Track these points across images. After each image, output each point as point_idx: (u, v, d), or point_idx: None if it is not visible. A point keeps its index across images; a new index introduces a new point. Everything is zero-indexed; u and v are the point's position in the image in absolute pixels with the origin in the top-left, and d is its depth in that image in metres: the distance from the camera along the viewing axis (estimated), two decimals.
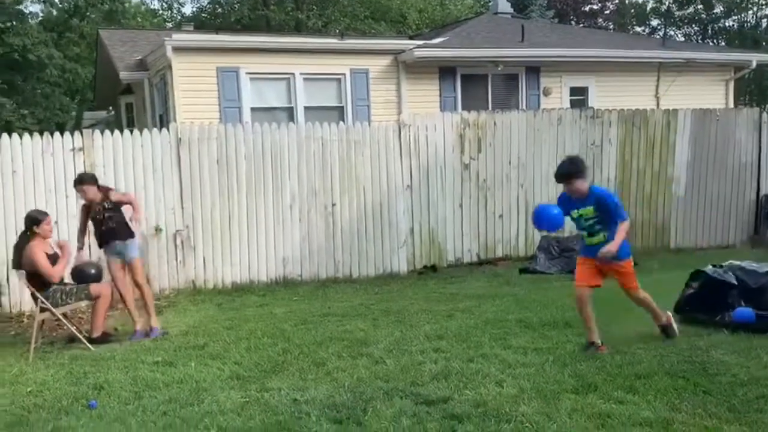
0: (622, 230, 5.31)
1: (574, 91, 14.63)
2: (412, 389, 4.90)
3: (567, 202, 5.49)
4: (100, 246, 6.87)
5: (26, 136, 8.19)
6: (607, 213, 5.35)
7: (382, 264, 9.32)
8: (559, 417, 4.30)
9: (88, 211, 6.83)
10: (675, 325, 5.75)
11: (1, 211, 7.92)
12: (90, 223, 6.89)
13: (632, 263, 5.56)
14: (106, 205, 6.76)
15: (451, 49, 13.85)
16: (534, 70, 14.38)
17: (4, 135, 8.14)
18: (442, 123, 9.56)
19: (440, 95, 13.74)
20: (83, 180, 6.84)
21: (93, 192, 6.75)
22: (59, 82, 28.99)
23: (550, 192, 10.08)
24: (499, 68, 13.71)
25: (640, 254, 10.02)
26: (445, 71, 13.79)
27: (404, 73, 13.44)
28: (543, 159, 10.04)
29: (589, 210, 5.37)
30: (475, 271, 9.34)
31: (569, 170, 5.40)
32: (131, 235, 6.82)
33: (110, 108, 23.54)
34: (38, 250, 6.28)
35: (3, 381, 5.55)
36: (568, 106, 13.74)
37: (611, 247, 5.28)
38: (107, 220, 6.75)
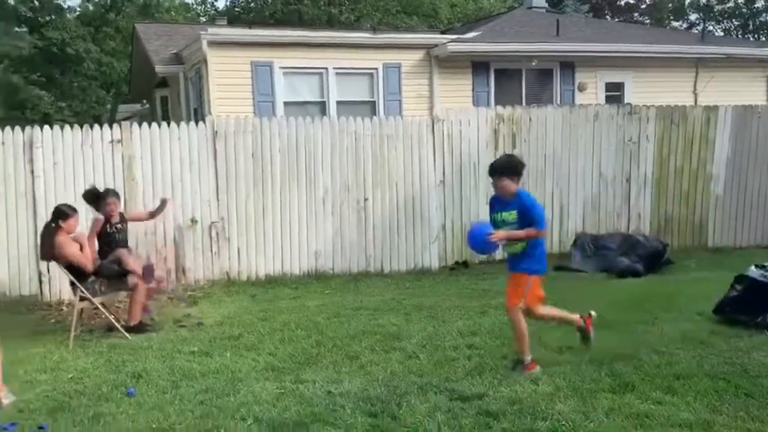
0: (528, 231, 4.97)
1: (609, 86, 14.40)
2: (446, 385, 4.90)
3: (495, 204, 5.22)
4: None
5: (66, 128, 8.35)
6: (526, 221, 5.03)
7: (413, 259, 9.30)
8: (596, 416, 4.25)
9: (104, 224, 6.96)
10: (592, 329, 5.45)
11: (42, 202, 8.09)
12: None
13: (527, 280, 5.13)
14: (121, 224, 7.08)
15: (484, 44, 13.72)
16: (569, 65, 14.19)
17: (46, 127, 8.32)
18: (476, 118, 9.50)
19: (473, 90, 13.64)
20: (116, 194, 7.10)
21: (118, 206, 7.07)
22: (96, 76, 29.51)
23: (586, 189, 9.99)
24: (534, 63, 13.56)
25: (677, 252, 9.88)
26: (479, 66, 13.69)
27: (437, 67, 13.37)
28: (579, 155, 9.91)
29: (512, 214, 5.06)
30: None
31: (500, 166, 5.14)
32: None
33: (144, 101, 23.90)
34: (68, 244, 6.39)
35: (45, 367, 5.68)
36: (603, 101, 13.53)
37: (506, 234, 4.95)
38: (119, 235, 7.04)
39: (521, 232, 4.98)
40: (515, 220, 5.04)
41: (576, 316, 5.42)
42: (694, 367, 5.03)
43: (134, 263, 6.87)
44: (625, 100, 13.41)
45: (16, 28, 28.09)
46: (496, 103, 12.55)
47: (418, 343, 5.91)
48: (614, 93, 14.26)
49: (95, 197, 6.93)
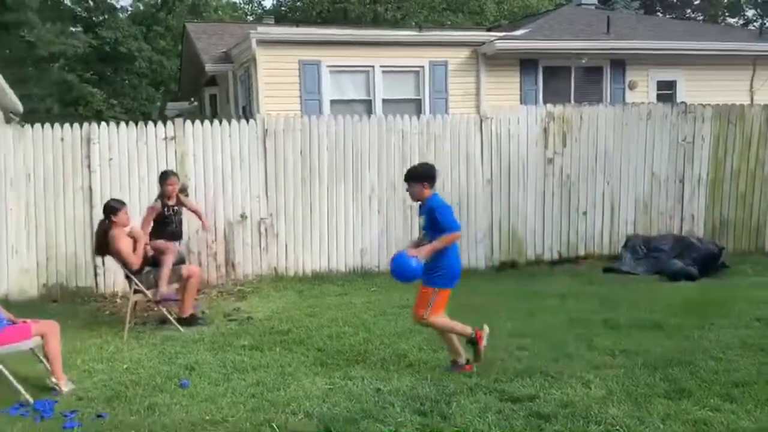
0: (443, 238, 4.96)
1: (661, 84, 14.05)
2: (496, 386, 4.86)
3: (419, 210, 5.32)
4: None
5: (122, 124, 8.57)
6: (435, 225, 5.04)
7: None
8: (651, 421, 4.17)
9: (161, 209, 7.11)
10: (484, 343, 5.29)
11: (98, 196, 8.31)
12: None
13: (433, 291, 5.13)
14: (177, 206, 7.23)
15: (533, 41, 13.55)
16: (619, 63, 13.90)
17: (102, 124, 8.55)
18: (525, 116, 9.39)
19: (521, 88, 13.47)
20: (176, 174, 7.29)
21: (176, 187, 7.21)
22: (146, 74, 30.23)
23: (638, 188, 9.78)
24: (584, 61, 13.33)
25: (732, 256, 9.58)
26: (527, 64, 13.52)
27: (484, 65, 13.26)
28: (630, 155, 9.70)
29: (422, 220, 5.17)
30: (556, 269, 9.15)
31: (411, 172, 5.30)
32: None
33: (192, 99, 24.35)
34: (121, 239, 6.53)
35: (101, 357, 5.85)
36: (655, 100, 13.19)
37: (419, 251, 4.96)
38: (175, 218, 7.19)
39: (438, 243, 5.00)
40: (425, 224, 5.16)
41: (468, 329, 5.36)
42: (754, 374, 4.88)
43: (194, 269, 7.03)
44: (677, 99, 13.07)
45: (72, 28, 29.00)
46: (544, 101, 12.37)
47: (466, 343, 5.86)
48: (666, 91, 13.91)
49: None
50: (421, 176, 5.25)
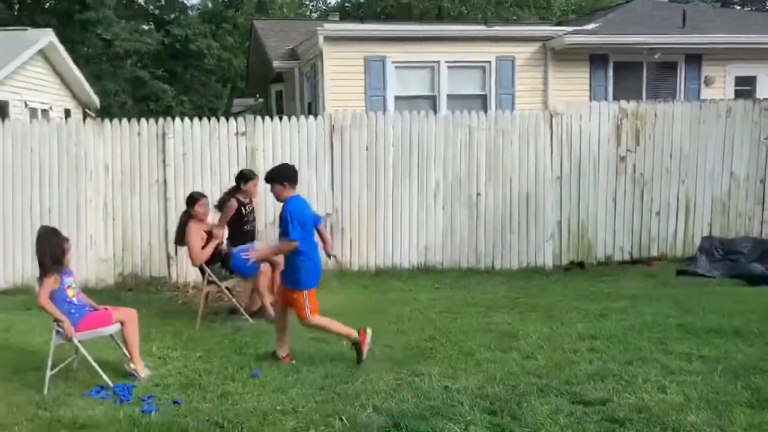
0: (277, 246, 5.18)
1: (739, 80, 13.48)
2: (567, 387, 4.76)
3: None
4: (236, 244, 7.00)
5: (196, 120, 8.81)
6: (283, 227, 5.23)
7: (526, 257, 9.10)
8: (733, 431, 3.99)
9: (240, 206, 7.00)
10: (366, 347, 5.38)
11: (172, 190, 8.59)
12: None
13: (303, 294, 5.37)
14: (252, 208, 7.22)
15: (604, 36, 13.20)
16: (695, 58, 13.41)
17: (177, 119, 8.81)
18: (597, 112, 9.14)
19: (590, 84, 13.19)
20: (256, 176, 7.13)
21: (258, 189, 7.18)
22: (214, 71, 31.04)
23: (714, 189, 9.39)
24: (657, 56, 12.91)
25: None
26: (597, 59, 13.21)
27: (552, 60, 13.04)
28: (708, 153, 9.31)
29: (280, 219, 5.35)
30: (627, 270, 8.88)
31: (270, 174, 5.47)
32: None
33: (257, 96, 24.83)
34: (194, 232, 6.66)
35: (175, 345, 6.03)
36: (732, 96, 12.67)
37: (252, 254, 5.33)
38: (252, 216, 7.18)
39: (272, 250, 5.21)
40: (280, 225, 5.34)
41: (353, 331, 5.46)
42: None
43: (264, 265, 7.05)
44: (757, 95, 12.49)
45: (144, 26, 30.05)
46: (615, 97, 12.07)
47: (535, 344, 5.78)
48: (744, 87, 13.33)
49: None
50: (278, 177, 5.43)
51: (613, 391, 4.69)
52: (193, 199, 6.72)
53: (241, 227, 7.03)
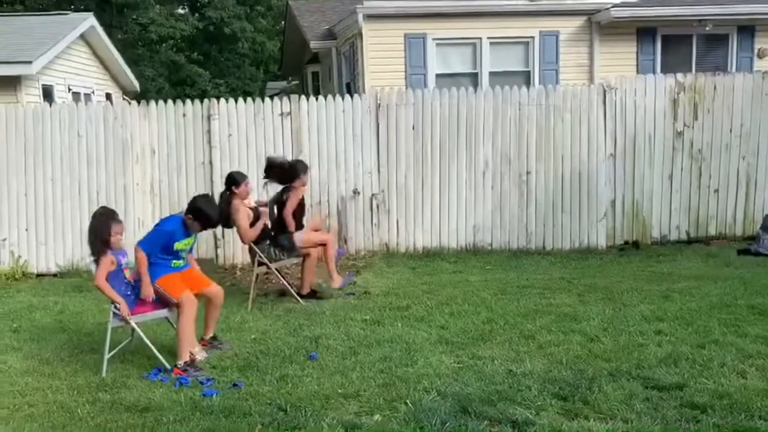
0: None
1: None
2: (639, 372, 4.57)
3: None
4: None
5: (240, 101, 8.70)
6: None
7: (578, 237, 8.82)
8: None
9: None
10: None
11: (218, 171, 8.51)
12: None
13: None
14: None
15: (652, 8, 12.71)
16: (748, 29, 12.85)
17: (222, 100, 8.71)
18: (653, 86, 8.75)
19: (637, 58, 12.75)
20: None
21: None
22: (248, 54, 31.00)
23: None
24: (708, 28, 12.41)
25: None
26: (644, 32, 12.75)
27: (597, 34, 12.63)
28: None
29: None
30: (685, 250, 8.56)
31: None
32: None
33: (290, 78, 24.71)
34: (242, 211, 6.58)
35: (229, 327, 5.98)
36: None
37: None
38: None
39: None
40: None
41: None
42: None
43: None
44: None
45: (180, 10, 30.12)
46: (663, 71, 11.65)
47: (598, 326, 5.58)
48: None
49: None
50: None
51: (689, 375, 4.48)
52: (235, 180, 6.62)
53: (300, 217, 7.08)
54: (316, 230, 7.22)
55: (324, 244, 6.99)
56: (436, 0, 12.42)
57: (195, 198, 5.44)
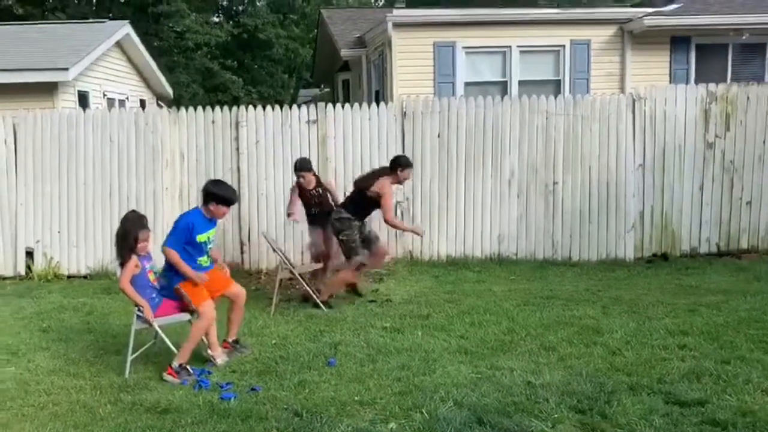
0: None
1: None
2: (660, 386, 4.49)
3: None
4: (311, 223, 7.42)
5: (268, 108, 8.80)
6: None
7: (605, 248, 8.70)
8: None
9: (300, 191, 7.31)
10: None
11: (245, 177, 8.64)
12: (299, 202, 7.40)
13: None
14: (320, 191, 7.35)
15: (686, 17, 12.54)
16: None
17: (250, 107, 8.83)
18: (684, 96, 8.62)
19: (670, 67, 12.57)
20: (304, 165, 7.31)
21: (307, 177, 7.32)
22: (281, 60, 31.31)
23: None
24: (744, 37, 12.18)
25: None
26: (678, 41, 12.56)
27: (630, 43, 12.48)
28: None
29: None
30: (715, 263, 8.38)
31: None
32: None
33: (322, 85, 24.90)
34: (391, 192, 6.74)
35: (251, 332, 6.05)
36: None
37: None
38: (318, 199, 7.32)
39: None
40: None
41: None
42: None
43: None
44: None
45: (215, 18, 30.62)
46: (697, 81, 11.44)
47: (621, 339, 5.50)
48: None
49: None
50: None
51: (711, 391, 4.38)
52: (401, 164, 6.84)
53: (307, 206, 7.34)
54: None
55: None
56: (466, 8, 12.42)
57: (204, 185, 5.50)
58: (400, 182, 6.94)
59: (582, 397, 4.35)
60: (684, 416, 4.07)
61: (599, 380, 4.63)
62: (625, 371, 4.80)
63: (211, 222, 5.37)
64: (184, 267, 5.14)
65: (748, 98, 8.61)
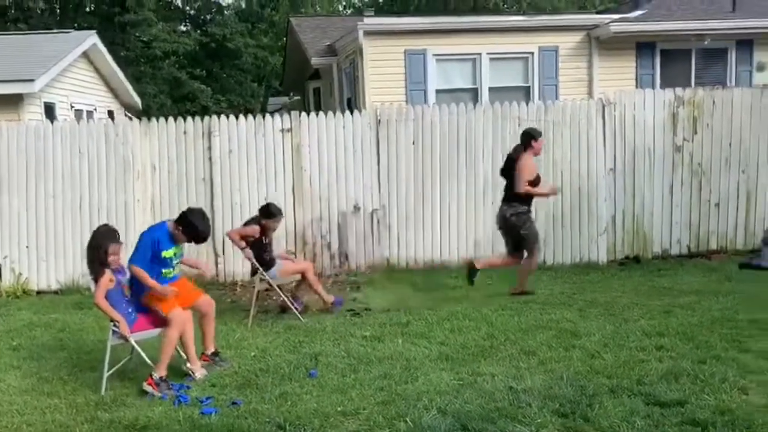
0: None
1: None
2: (639, 388, 4.54)
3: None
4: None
5: (241, 117, 8.74)
6: None
7: (579, 252, 8.81)
8: None
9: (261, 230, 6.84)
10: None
11: (218, 187, 8.56)
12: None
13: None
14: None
15: (651, 23, 12.87)
16: (746, 43, 12.95)
17: (222, 117, 8.76)
18: (653, 101, 8.78)
19: (636, 72, 12.86)
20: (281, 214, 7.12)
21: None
22: (250, 69, 31.15)
23: None
24: (706, 42, 12.51)
25: None
26: (643, 47, 12.86)
27: (597, 49, 12.73)
28: None
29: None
30: (686, 264, 8.54)
31: None
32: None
33: (292, 93, 24.83)
34: (530, 163, 6.99)
35: (229, 344, 5.97)
36: None
37: None
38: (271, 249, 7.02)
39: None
40: None
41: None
42: None
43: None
44: None
45: (182, 27, 30.34)
46: (662, 85, 11.73)
47: (599, 342, 5.55)
48: None
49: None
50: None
51: (690, 391, 4.45)
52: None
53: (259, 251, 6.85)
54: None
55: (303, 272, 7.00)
56: (434, 17, 12.53)
57: (190, 210, 5.41)
58: (537, 153, 7.24)
59: (564, 401, 4.38)
60: (664, 417, 4.12)
61: (580, 383, 4.67)
62: (604, 374, 4.84)
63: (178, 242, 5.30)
64: (152, 283, 5.06)
65: (714, 102, 8.82)
